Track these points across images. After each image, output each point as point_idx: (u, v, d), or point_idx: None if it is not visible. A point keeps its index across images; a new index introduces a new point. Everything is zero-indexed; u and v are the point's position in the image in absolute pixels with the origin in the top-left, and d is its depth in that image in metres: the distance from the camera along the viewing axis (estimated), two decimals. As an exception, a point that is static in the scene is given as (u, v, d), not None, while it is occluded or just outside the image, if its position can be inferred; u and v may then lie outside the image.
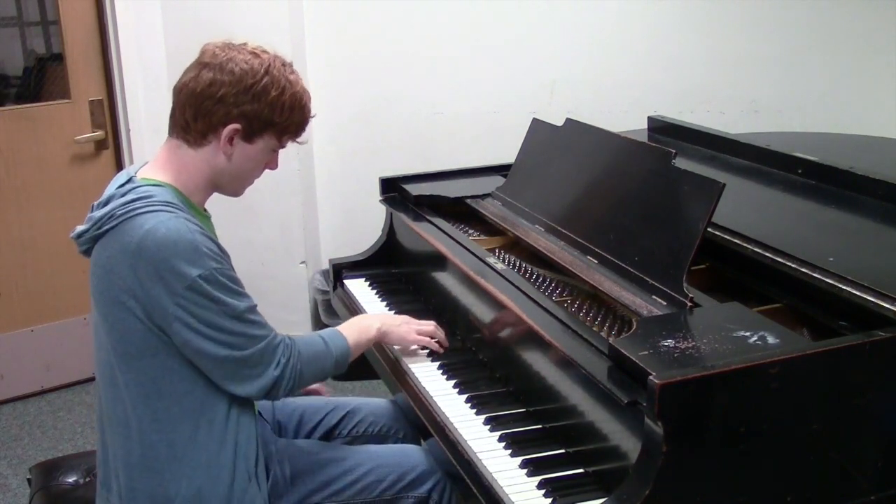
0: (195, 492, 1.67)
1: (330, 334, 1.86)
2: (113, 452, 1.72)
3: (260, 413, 1.95)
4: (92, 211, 1.66)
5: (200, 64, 1.67)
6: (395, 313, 2.24)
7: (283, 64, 1.70)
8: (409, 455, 1.91)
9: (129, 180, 1.67)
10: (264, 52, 1.70)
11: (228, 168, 1.70)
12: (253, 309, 1.66)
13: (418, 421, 1.94)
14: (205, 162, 1.69)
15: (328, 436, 2.07)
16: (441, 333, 2.07)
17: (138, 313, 1.60)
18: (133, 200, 1.60)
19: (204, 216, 1.75)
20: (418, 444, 2.06)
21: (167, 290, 1.56)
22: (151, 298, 1.58)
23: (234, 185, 1.76)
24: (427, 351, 2.06)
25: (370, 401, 2.19)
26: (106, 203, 1.64)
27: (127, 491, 1.70)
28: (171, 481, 1.67)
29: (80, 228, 1.67)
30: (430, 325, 2.06)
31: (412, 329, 2.03)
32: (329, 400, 2.15)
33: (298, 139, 1.76)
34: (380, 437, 2.09)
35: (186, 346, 1.61)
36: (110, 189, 1.68)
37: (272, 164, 1.77)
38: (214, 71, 1.64)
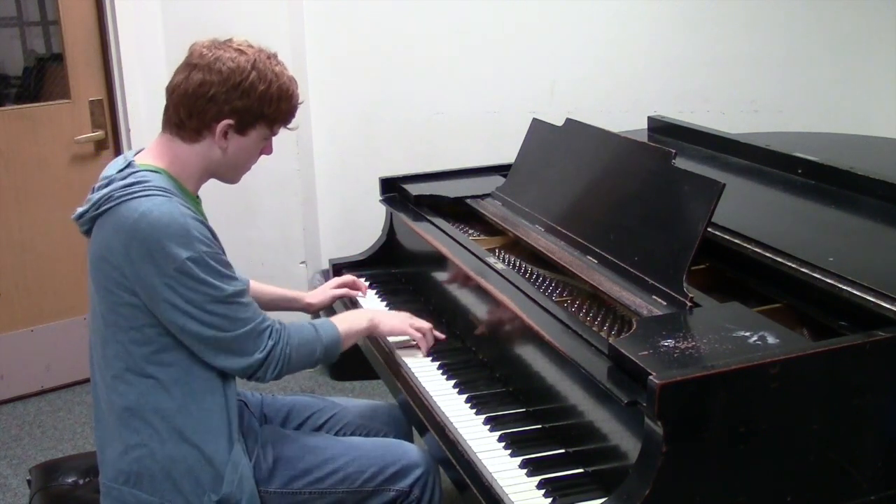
0: (179, 453, 1.72)
1: (321, 322, 1.90)
2: (107, 415, 1.77)
3: (245, 404, 1.99)
4: (92, 192, 1.73)
5: (189, 65, 1.72)
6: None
7: (268, 57, 1.76)
8: (392, 449, 1.93)
9: (129, 164, 1.72)
10: (249, 46, 1.75)
11: (225, 160, 1.77)
12: (242, 293, 1.71)
13: (415, 422, 1.94)
14: (200, 155, 1.75)
15: None
16: (431, 337, 2.07)
17: (129, 290, 1.66)
18: (132, 184, 1.66)
19: (195, 200, 1.80)
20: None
21: (157, 271, 1.62)
22: (141, 278, 1.64)
23: (230, 173, 1.83)
24: (426, 350, 2.06)
25: (361, 402, 2.19)
26: (106, 185, 1.70)
27: (118, 447, 1.75)
28: (157, 443, 1.72)
29: (80, 209, 1.74)
30: (426, 324, 2.07)
31: (405, 322, 2.05)
32: (319, 398, 2.17)
33: (289, 126, 1.82)
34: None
35: (173, 325, 1.67)
36: (109, 172, 1.74)
37: (266, 150, 1.84)
38: (203, 71, 1.70)
